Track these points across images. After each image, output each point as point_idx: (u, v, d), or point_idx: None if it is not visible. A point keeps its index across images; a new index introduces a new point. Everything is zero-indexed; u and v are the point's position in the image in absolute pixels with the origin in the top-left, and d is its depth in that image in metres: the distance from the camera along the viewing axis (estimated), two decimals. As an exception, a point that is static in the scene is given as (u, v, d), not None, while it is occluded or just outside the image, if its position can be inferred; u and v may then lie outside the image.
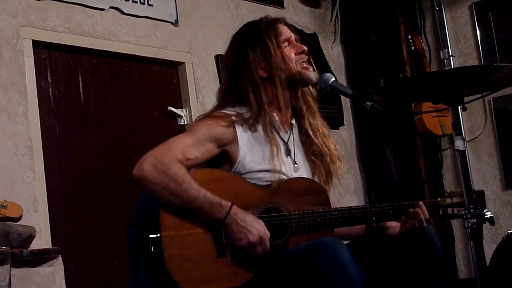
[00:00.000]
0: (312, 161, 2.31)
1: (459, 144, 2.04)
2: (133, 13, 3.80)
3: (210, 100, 3.86)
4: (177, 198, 2.02)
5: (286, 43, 2.28)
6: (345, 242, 2.12)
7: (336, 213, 2.14)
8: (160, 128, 3.89)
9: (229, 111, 2.22)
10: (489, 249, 3.68)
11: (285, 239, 2.09)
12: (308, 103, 2.34)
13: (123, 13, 3.76)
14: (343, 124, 4.97)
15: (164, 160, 2.05)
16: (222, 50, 3.97)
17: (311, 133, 2.32)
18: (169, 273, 1.98)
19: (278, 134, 2.26)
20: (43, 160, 3.29)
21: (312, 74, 2.27)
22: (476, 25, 4.99)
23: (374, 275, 2.13)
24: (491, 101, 4.87)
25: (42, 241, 3.16)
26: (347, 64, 5.15)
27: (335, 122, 4.82)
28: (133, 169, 2.07)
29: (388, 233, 2.26)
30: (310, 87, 2.33)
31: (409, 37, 5.00)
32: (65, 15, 3.52)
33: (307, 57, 2.30)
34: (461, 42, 5.07)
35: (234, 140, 2.17)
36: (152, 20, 3.90)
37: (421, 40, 5.04)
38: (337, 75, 4.81)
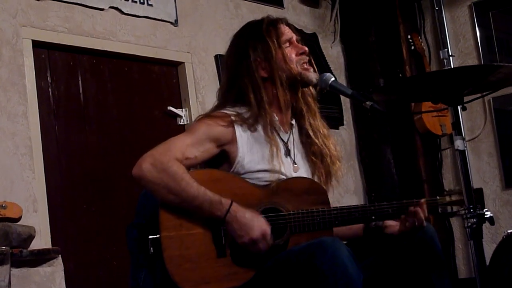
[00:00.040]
0: (312, 161, 2.31)
1: (458, 143, 2.04)
2: (132, 13, 3.80)
3: (209, 100, 3.87)
4: (177, 197, 2.02)
5: (287, 44, 2.28)
6: (344, 242, 2.12)
7: (335, 212, 2.14)
8: (160, 128, 3.89)
9: (228, 111, 2.22)
10: (488, 249, 3.68)
11: (285, 238, 2.09)
12: (309, 103, 2.34)
13: (122, 13, 3.76)
14: (342, 124, 4.97)
15: (163, 160, 2.05)
16: (221, 50, 3.98)
17: (311, 133, 2.32)
18: (168, 274, 1.98)
19: (278, 134, 2.26)
20: (42, 160, 3.29)
21: (313, 75, 2.27)
22: (476, 25, 4.99)
23: (374, 274, 2.13)
24: (491, 100, 4.87)
25: (42, 241, 3.16)
26: (346, 64, 5.15)
27: (334, 122, 4.82)
28: (132, 169, 2.07)
29: (386, 232, 2.26)
30: (311, 87, 2.33)
31: (409, 36, 5.00)
32: (64, 15, 3.52)
33: (308, 58, 2.29)
34: (460, 41, 5.07)
35: (233, 140, 2.17)
36: (152, 20, 3.90)
37: (420, 40, 5.04)
38: (337, 75, 4.81)
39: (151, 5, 3.90)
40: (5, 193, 3.08)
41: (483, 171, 4.93)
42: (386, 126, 4.96)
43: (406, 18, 5.09)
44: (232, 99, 2.26)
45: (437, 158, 5.11)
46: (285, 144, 2.28)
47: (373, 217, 2.19)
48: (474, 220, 1.98)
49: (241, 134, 2.18)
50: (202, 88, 4.09)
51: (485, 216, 2.00)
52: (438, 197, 2.31)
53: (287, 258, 1.99)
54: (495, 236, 4.40)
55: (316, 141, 2.31)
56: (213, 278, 2.01)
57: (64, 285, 3.14)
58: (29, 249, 2.98)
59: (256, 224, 2.02)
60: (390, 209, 2.19)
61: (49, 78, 3.48)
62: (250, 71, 2.23)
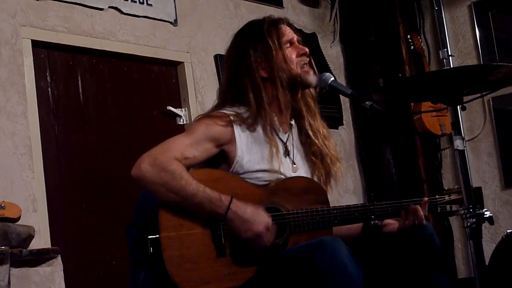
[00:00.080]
0: (312, 161, 2.31)
1: (458, 143, 2.04)
2: (132, 13, 3.80)
3: (209, 99, 3.87)
4: (177, 196, 2.02)
5: (288, 44, 2.28)
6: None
7: (335, 212, 2.14)
8: (159, 127, 3.89)
9: (227, 110, 2.22)
10: (488, 249, 3.67)
11: (284, 238, 2.09)
12: (309, 104, 2.34)
13: (122, 12, 3.76)
14: (342, 124, 4.97)
15: (162, 160, 2.04)
16: (221, 50, 3.98)
17: (311, 134, 2.32)
18: (168, 274, 1.98)
19: (277, 134, 2.26)
20: (42, 160, 3.29)
21: (312, 78, 2.26)
22: (476, 25, 4.99)
23: (374, 273, 2.13)
24: (490, 100, 4.86)
25: (41, 241, 3.16)
26: (346, 63, 5.15)
27: (334, 121, 4.82)
28: (131, 169, 2.07)
29: (385, 230, 2.26)
30: (311, 88, 2.32)
31: (408, 36, 5.00)
32: (64, 15, 3.52)
33: (308, 59, 2.29)
34: (460, 41, 5.07)
35: (232, 140, 2.17)
36: (151, 20, 3.90)
37: (420, 40, 5.04)
38: (336, 75, 4.81)
39: (150, 5, 3.89)
40: (5, 193, 3.08)
41: (483, 171, 4.92)
42: (386, 126, 4.96)
43: (406, 18, 5.09)
44: (231, 99, 2.26)
45: (437, 158, 5.11)
46: (284, 145, 2.28)
47: (373, 217, 2.19)
48: (474, 220, 1.98)
49: (240, 134, 2.18)
50: (202, 88, 4.09)
51: (485, 216, 2.00)
52: (437, 196, 2.31)
53: (287, 257, 1.99)
54: (495, 236, 4.40)
55: (316, 141, 2.31)
56: (213, 278, 2.02)
57: (64, 285, 3.13)
58: (28, 249, 2.98)
59: (258, 218, 2.02)
60: (389, 209, 2.19)
61: (48, 78, 3.48)
62: (250, 71, 2.23)
